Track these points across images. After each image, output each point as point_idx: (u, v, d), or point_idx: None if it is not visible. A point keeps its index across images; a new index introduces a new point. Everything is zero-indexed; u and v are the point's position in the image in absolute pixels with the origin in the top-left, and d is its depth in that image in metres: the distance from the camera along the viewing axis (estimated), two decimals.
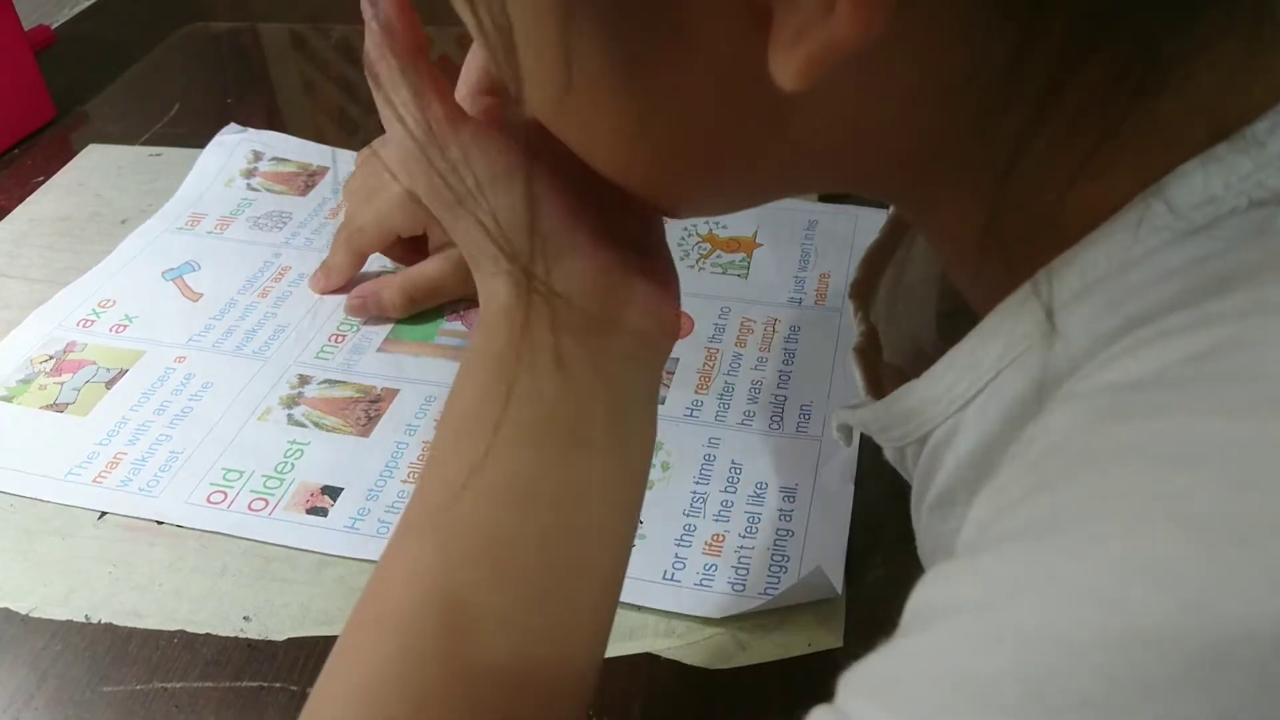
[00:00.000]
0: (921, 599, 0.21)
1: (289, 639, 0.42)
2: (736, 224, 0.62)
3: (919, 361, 0.37)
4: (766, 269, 0.59)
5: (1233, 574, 0.17)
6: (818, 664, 0.39)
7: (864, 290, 0.38)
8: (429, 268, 0.56)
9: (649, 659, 0.40)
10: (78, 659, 0.42)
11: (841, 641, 0.40)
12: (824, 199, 0.64)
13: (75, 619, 0.43)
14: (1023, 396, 0.26)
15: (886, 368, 0.37)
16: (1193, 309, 0.21)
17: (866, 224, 0.62)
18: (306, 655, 0.41)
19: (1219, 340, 0.20)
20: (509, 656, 0.28)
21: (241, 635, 0.42)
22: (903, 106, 0.25)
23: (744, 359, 0.53)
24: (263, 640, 0.42)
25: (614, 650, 0.40)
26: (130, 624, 0.43)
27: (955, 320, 0.37)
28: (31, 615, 0.43)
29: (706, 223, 0.62)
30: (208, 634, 0.42)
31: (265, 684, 0.40)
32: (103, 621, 0.43)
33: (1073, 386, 0.23)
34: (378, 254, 0.58)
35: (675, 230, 0.62)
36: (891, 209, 0.39)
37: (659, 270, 0.33)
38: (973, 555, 0.21)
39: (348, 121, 0.78)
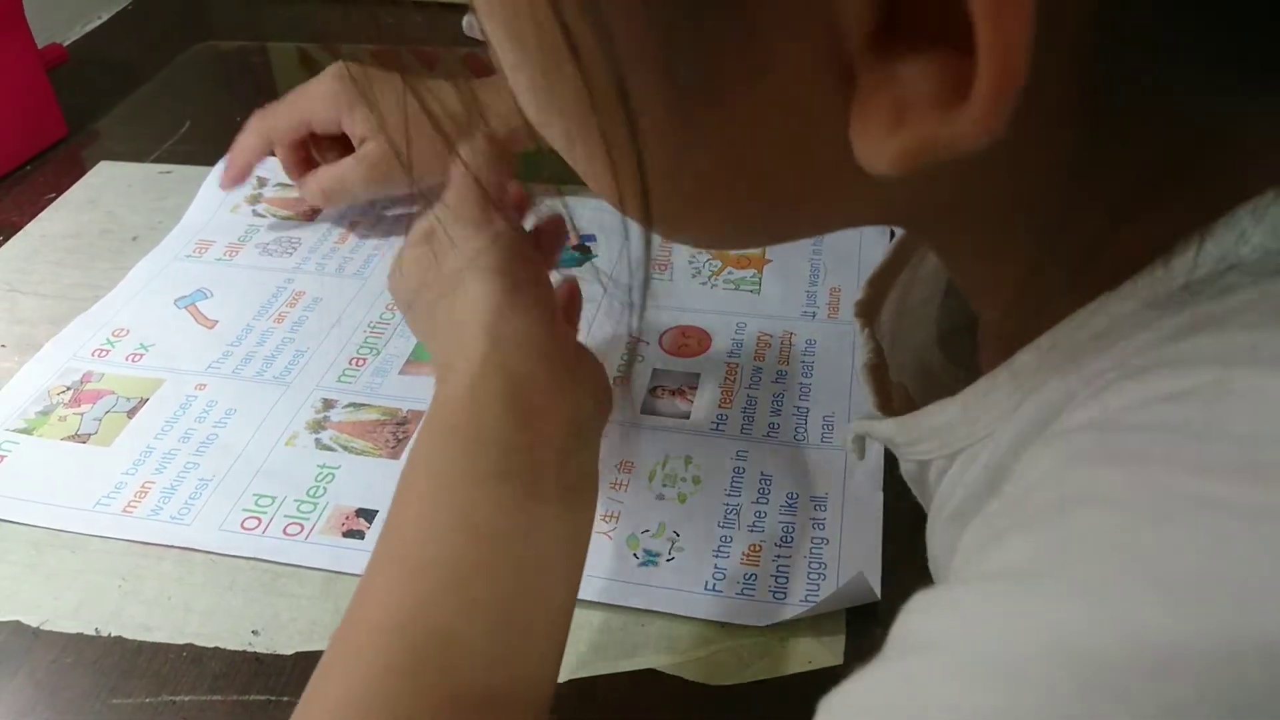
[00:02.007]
0: (906, 626, 0.22)
1: (297, 653, 0.42)
2: None
3: (925, 380, 0.38)
4: (778, 284, 0.60)
5: (1196, 636, 0.18)
6: (817, 682, 0.39)
7: (869, 310, 0.38)
8: (340, 166, 0.60)
9: (651, 675, 0.41)
10: (87, 672, 0.42)
11: (842, 659, 0.40)
12: None
13: (85, 632, 0.43)
14: (1034, 420, 0.26)
15: (895, 385, 0.38)
16: (1181, 343, 0.22)
17: (871, 239, 0.63)
18: (314, 669, 0.41)
19: (1196, 384, 0.21)
20: (473, 680, 0.31)
21: (249, 649, 0.42)
22: (969, 181, 0.24)
23: (764, 372, 0.54)
24: (270, 654, 0.42)
25: (616, 666, 0.41)
26: (139, 637, 0.43)
27: (959, 339, 0.38)
28: (43, 628, 0.43)
29: None
30: (216, 648, 0.42)
31: (273, 698, 0.41)
32: (112, 635, 0.43)
33: (1061, 423, 0.24)
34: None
35: (685, 249, 0.63)
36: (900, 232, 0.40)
37: (589, 356, 0.39)
38: (954, 588, 0.22)
39: None
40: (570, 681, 0.40)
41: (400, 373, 0.55)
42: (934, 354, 0.38)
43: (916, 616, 0.21)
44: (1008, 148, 0.21)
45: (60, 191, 0.70)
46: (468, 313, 0.37)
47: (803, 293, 0.59)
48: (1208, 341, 0.21)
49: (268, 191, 0.70)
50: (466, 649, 0.31)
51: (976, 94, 0.18)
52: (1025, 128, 0.21)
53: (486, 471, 0.34)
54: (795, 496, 0.47)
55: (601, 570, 0.44)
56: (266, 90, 0.86)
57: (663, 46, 0.21)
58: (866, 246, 0.62)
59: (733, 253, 0.63)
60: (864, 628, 0.41)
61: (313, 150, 0.63)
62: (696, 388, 0.53)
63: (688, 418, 0.51)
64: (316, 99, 0.60)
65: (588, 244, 0.64)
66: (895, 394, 0.37)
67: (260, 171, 0.71)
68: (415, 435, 0.38)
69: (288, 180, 0.70)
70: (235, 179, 0.63)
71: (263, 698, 0.41)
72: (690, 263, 0.62)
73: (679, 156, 0.24)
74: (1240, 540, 0.18)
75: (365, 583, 0.34)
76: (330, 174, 0.61)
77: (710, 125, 0.23)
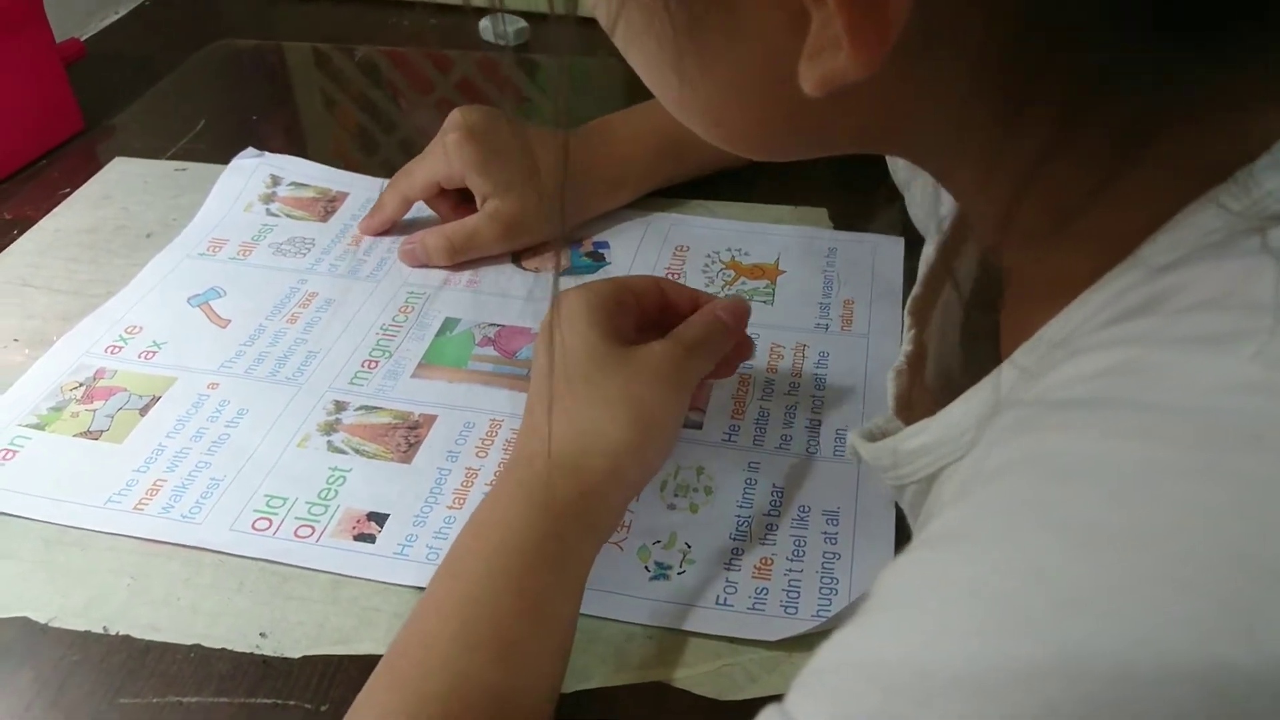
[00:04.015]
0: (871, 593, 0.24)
1: (304, 657, 0.42)
2: (758, 251, 0.63)
3: (945, 386, 0.38)
4: (791, 296, 0.60)
5: (1100, 578, 0.19)
6: None
7: (921, 307, 0.39)
8: (469, 221, 0.62)
9: (659, 688, 0.40)
10: (94, 670, 0.42)
11: None
12: (839, 226, 0.65)
13: (93, 630, 0.43)
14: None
15: (923, 392, 0.38)
16: (1117, 326, 0.24)
17: (885, 252, 0.63)
18: (320, 674, 0.41)
19: (1123, 359, 0.22)
20: (487, 712, 0.35)
21: (257, 652, 0.42)
22: (930, 106, 0.28)
23: (776, 384, 0.54)
24: (278, 657, 0.42)
25: (625, 678, 0.41)
26: (147, 637, 0.43)
27: (979, 343, 0.38)
28: (51, 625, 0.43)
29: (729, 249, 0.63)
30: (223, 649, 0.42)
31: (279, 701, 0.41)
32: (120, 634, 0.43)
33: (1013, 396, 0.26)
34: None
35: (698, 258, 0.63)
36: (950, 219, 0.40)
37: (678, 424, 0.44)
38: (900, 556, 0.24)
39: (368, 141, 0.79)
40: (577, 693, 0.40)
41: (412, 376, 0.55)
42: (955, 357, 0.39)
43: (875, 584, 0.24)
44: (943, 89, 0.26)
45: (75, 187, 0.70)
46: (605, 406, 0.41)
47: (816, 304, 0.59)
48: (1139, 324, 0.23)
49: (281, 191, 0.70)
50: (491, 693, 0.35)
51: (841, 35, 0.23)
52: (956, 71, 0.26)
53: (551, 556, 0.38)
54: (807, 510, 0.47)
55: (613, 584, 0.44)
56: (281, 90, 0.86)
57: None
58: (880, 260, 0.62)
59: (747, 262, 0.63)
60: None
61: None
62: (708, 398, 0.53)
63: (700, 428, 0.51)
64: (442, 159, 0.61)
65: (601, 251, 0.64)
66: (919, 401, 0.37)
67: (274, 170, 0.71)
68: (500, 471, 0.42)
69: (302, 180, 0.71)
70: (373, 233, 0.65)
71: (269, 701, 0.41)
72: (704, 271, 0.62)
73: (693, 82, 0.29)
74: (1135, 491, 0.20)
75: (416, 619, 0.37)
76: (460, 231, 0.62)
77: (707, 62, 0.28)
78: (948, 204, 0.48)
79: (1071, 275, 0.27)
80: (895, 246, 0.63)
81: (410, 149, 0.75)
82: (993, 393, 0.30)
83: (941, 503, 0.25)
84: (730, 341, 0.46)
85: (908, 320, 0.39)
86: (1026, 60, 0.26)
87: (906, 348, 0.39)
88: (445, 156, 0.61)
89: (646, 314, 0.46)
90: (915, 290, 0.39)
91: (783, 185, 0.68)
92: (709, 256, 0.63)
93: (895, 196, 0.65)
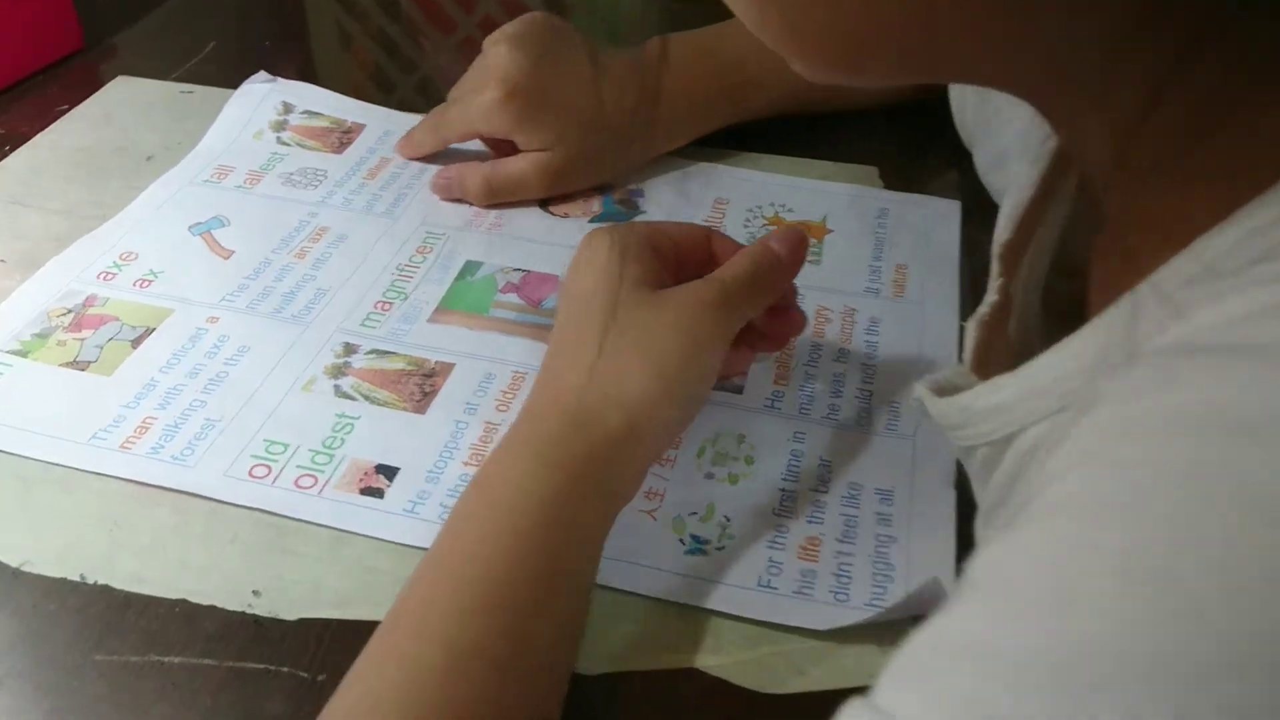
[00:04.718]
0: (967, 568, 0.22)
1: (300, 619, 0.38)
2: (804, 208, 0.59)
3: (1022, 338, 0.34)
4: (839, 257, 0.55)
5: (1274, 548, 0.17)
6: None
7: (1011, 253, 0.35)
8: (514, 164, 0.57)
9: (692, 675, 0.37)
10: (69, 622, 0.38)
11: None
12: (889, 186, 0.61)
13: (70, 578, 0.39)
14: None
15: (1002, 347, 0.35)
16: (1271, 263, 0.21)
17: (941, 216, 0.58)
18: (317, 639, 0.38)
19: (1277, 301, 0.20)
20: (490, 688, 0.32)
21: (249, 611, 0.38)
22: (1041, 23, 0.24)
23: (824, 350, 0.50)
24: (271, 618, 0.38)
25: (653, 662, 0.37)
26: (129, 588, 0.39)
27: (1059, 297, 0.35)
28: (23, 569, 0.40)
29: (773, 204, 0.59)
30: (212, 606, 0.39)
31: (271, 667, 0.37)
32: (99, 583, 0.39)
33: (1147, 344, 0.23)
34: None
35: (739, 211, 0.58)
36: (1047, 162, 0.36)
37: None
38: (1008, 530, 0.21)
39: (383, 79, 0.74)
40: (604, 676, 0.36)
41: (429, 320, 0.51)
42: (1035, 307, 0.35)
43: (971, 564, 0.21)
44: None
45: (73, 104, 0.66)
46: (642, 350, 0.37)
47: (865, 267, 0.55)
48: None
49: (294, 119, 0.65)
50: (491, 664, 0.32)
51: None
52: None
53: (562, 518, 0.35)
54: (859, 487, 0.42)
55: (645, 558, 0.40)
56: (296, 17, 0.81)
57: None
58: (934, 223, 0.58)
59: (791, 218, 0.58)
60: None
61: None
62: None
63: (740, 392, 0.47)
64: (486, 113, 0.56)
65: (635, 199, 0.59)
66: (997, 358, 0.34)
67: (286, 97, 0.66)
68: (511, 427, 0.37)
69: (316, 108, 0.66)
70: (409, 157, 0.62)
71: (259, 666, 0.37)
72: (745, 226, 0.58)
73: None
74: None
75: (414, 584, 0.34)
76: (502, 175, 0.57)
77: None
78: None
79: (1191, 214, 0.23)
80: (952, 210, 0.59)
81: (429, 90, 0.70)
82: (1094, 347, 0.26)
83: (1047, 472, 0.22)
84: (783, 279, 0.41)
85: (996, 267, 0.35)
86: None
87: (992, 297, 0.35)
88: (486, 111, 0.56)
89: (687, 265, 0.42)
90: (1005, 235, 0.35)
91: (831, 140, 0.63)
92: (751, 211, 0.59)
93: (951, 159, 0.61)
